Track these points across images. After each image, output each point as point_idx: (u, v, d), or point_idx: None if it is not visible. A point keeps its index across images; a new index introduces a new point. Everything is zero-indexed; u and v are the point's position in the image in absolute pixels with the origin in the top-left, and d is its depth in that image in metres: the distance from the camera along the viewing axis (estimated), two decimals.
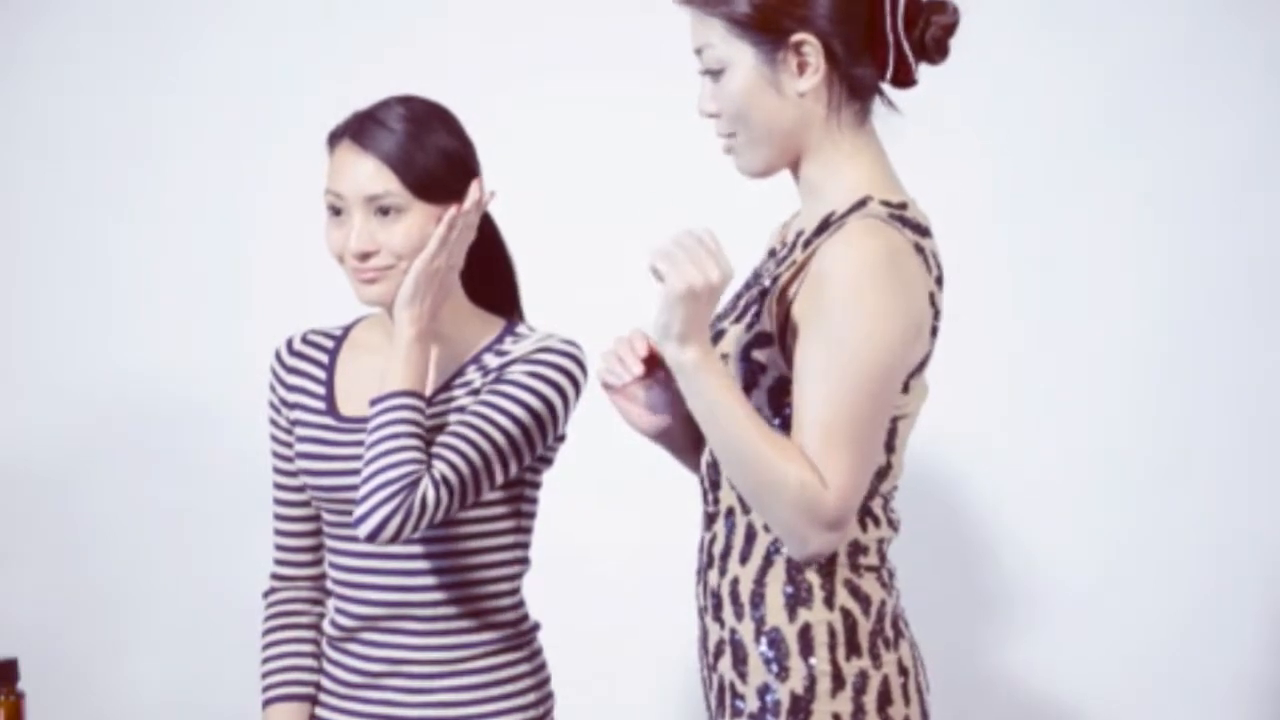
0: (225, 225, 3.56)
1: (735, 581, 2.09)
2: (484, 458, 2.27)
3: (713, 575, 2.12)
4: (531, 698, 2.41)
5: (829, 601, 2.06)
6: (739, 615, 2.08)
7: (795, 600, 2.06)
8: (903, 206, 2.09)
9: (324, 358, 2.46)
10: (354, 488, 2.32)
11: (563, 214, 3.35)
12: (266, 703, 2.45)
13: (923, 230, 2.09)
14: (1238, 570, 3.37)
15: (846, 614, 2.06)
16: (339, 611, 2.42)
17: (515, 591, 2.43)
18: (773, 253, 2.21)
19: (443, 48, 3.47)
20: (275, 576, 2.50)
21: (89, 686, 3.58)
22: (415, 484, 2.23)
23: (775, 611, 2.06)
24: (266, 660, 2.47)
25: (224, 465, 3.53)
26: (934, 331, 2.09)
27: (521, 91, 3.42)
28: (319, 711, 2.44)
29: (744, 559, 2.09)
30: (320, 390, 2.43)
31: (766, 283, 2.11)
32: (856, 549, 2.07)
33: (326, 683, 2.44)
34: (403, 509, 2.22)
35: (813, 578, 2.06)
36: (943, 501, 3.42)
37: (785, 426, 2.06)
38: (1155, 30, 3.36)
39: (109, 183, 3.59)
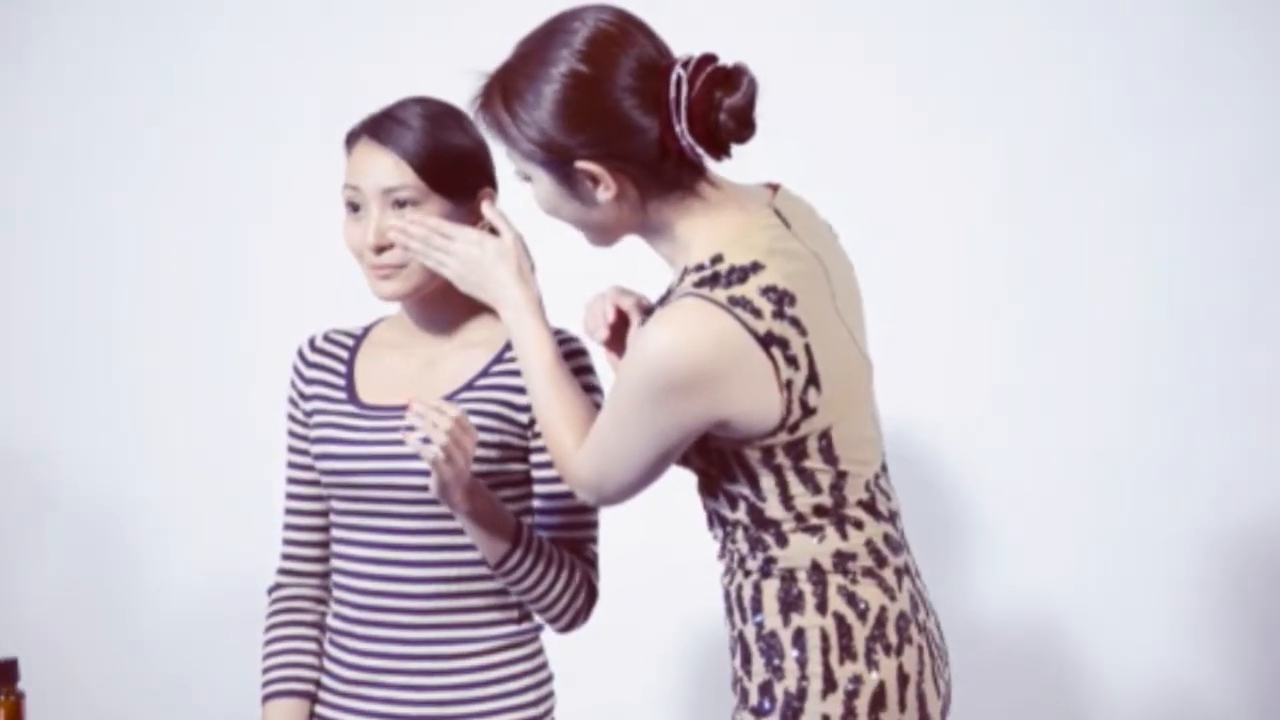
0: (226, 225, 3.56)
1: (740, 588, 2.16)
2: None
3: (725, 579, 2.20)
4: (531, 696, 2.42)
5: (821, 607, 2.11)
6: (744, 618, 2.15)
7: (787, 605, 2.12)
8: (717, 260, 2.07)
9: (344, 354, 2.49)
10: (370, 473, 2.36)
11: None
12: (266, 698, 2.45)
13: (741, 275, 2.06)
14: (1237, 570, 3.37)
15: (840, 619, 2.11)
16: (341, 602, 2.43)
17: None
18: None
19: (443, 48, 3.46)
20: (282, 572, 2.51)
21: (89, 686, 3.58)
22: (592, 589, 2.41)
23: (771, 616, 2.13)
24: (268, 656, 2.47)
25: (225, 466, 3.53)
26: (790, 360, 2.05)
27: None
28: (320, 709, 2.45)
29: (745, 568, 2.16)
30: (341, 382, 2.45)
31: None
32: (843, 557, 2.12)
33: (328, 680, 2.45)
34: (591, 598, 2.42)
35: (805, 585, 2.12)
36: (940, 500, 3.42)
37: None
38: (1155, 30, 3.36)
39: (109, 183, 3.59)
